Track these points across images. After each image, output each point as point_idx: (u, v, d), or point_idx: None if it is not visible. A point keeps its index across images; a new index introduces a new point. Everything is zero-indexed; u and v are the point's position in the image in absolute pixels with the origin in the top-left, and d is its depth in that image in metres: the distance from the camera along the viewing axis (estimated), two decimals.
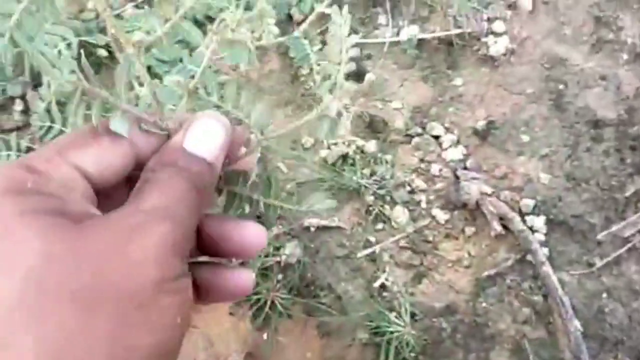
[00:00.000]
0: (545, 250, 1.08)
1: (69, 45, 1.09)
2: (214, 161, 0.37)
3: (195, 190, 0.35)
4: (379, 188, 1.11)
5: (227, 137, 0.38)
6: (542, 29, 1.19)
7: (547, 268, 1.04)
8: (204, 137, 0.38)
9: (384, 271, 1.05)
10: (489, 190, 1.09)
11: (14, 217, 0.29)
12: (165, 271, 0.30)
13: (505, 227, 1.08)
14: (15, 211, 0.29)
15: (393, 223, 1.12)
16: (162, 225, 0.31)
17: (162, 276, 0.30)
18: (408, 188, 1.13)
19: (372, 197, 1.12)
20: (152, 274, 0.30)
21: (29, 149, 1.14)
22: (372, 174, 1.13)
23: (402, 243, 1.10)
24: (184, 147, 0.36)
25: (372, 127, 1.16)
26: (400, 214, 1.11)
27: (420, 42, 1.19)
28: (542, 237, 1.09)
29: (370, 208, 1.12)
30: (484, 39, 1.19)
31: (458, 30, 1.19)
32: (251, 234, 0.39)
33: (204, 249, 0.39)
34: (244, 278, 0.39)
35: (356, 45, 1.20)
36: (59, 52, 1.10)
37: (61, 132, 1.06)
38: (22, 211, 0.29)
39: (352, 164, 1.13)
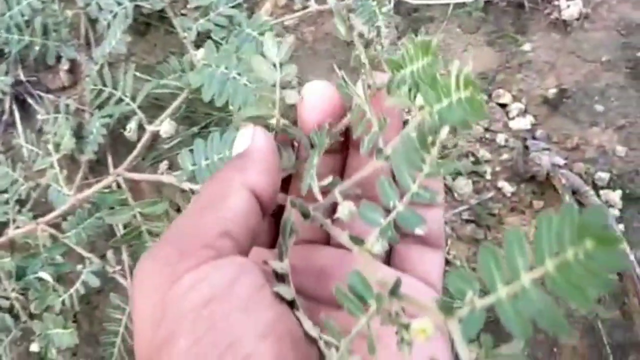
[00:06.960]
0: (621, 227, 1.01)
1: (124, 10, 1.07)
2: None
3: None
4: (441, 157, 1.05)
5: None
6: None
7: (622, 246, 0.97)
8: None
9: (445, 245, 0.99)
10: (561, 161, 1.02)
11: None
12: None
13: (578, 201, 1.01)
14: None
15: (455, 194, 1.07)
16: None
17: None
18: (472, 158, 1.07)
19: None
20: None
21: (77, 110, 1.11)
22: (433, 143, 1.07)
23: (465, 216, 1.04)
24: None
25: None
26: (463, 185, 1.05)
27: (487, 4, 1.12)
28: (617, 213, 1.02)
29: None
30: (555, 2, 1.12)
31: None
32: None
33: None
34: None
35: (417, 7, 1.13)
36: (115, 15, 1.08)
37: (110, 95, 1.03)
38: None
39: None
